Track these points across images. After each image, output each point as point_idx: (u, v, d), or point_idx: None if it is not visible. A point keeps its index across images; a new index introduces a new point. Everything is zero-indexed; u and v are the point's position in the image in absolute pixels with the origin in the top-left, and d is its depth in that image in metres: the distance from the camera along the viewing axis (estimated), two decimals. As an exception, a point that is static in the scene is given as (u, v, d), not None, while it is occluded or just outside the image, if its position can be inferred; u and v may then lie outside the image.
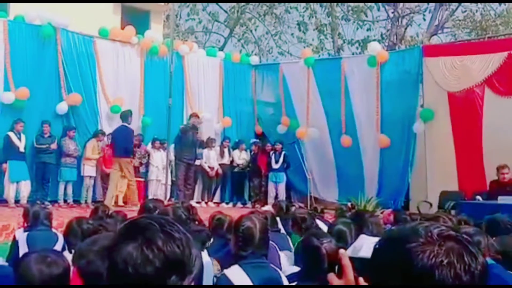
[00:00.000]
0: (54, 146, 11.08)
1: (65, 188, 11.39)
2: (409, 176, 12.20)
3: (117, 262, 1.23)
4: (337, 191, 13.39)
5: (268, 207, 9.94)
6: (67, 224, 4.32)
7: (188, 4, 24.56)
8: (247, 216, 3.55)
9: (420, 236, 1.14)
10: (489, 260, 3.31)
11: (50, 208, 7.29)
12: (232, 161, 13.68)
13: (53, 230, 5.52)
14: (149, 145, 12.56)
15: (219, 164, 13.36)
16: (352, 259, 1.37)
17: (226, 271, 3.29)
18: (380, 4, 23.37)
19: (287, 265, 4.56)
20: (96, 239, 2.11)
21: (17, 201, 10.46)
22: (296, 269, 3.58)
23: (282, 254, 4.58)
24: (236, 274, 3.22)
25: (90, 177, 11.70)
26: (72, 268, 2.34)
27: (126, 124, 11.32)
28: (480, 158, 11.09)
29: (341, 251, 1.41)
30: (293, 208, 6.81)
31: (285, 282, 3.35)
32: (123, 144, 11.15)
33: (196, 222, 5.67)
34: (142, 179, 12.43)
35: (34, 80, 11.28)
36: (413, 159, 12.19)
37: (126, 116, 11.39)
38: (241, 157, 13.75)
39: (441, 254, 1.11)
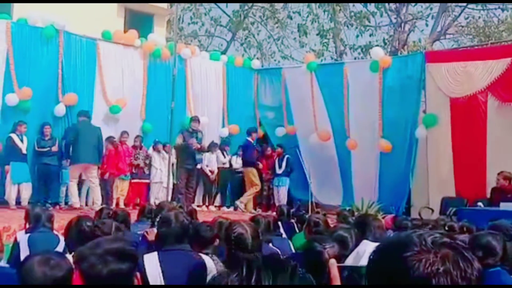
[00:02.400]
0: (55, 148, 11.03)
1: (66, 190, 11.39)
2: (410, 182, 12.18)
3: None
4: (340, 196, 13.29)
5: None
6: (67, 225, 4.35)
7: (191, 8, 24.62)
8: (236, 222, 3.48)
9: (414, 244, 1.14)
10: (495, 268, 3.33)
11: (52, 210, 7.32)
12: (231, 165, 13.69)
13: (55, 232, 5.54)
14: (151, 148, 12.57)
15: (218, 168, 13.33)
16: (353, 268, 1.39)
17: None
18: (383, 9, 23.38)
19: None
20: (99, 242, 2.12)
21: (18, 203, 10.47)
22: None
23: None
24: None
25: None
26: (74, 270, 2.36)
27: (250, 139, 13.10)
28: (483, 165, 11.06)
29: (331, 261, 1.43)
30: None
31: None
32: (245, 157, 13.07)
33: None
34: (147, 181, 12.46)
35: (36, 82, 11.25)
36: (414, 164, 12.16)
37: (250, 132, 13.11)
38: (238, 161, 13.70)
39: (437, 262, 1.11)
